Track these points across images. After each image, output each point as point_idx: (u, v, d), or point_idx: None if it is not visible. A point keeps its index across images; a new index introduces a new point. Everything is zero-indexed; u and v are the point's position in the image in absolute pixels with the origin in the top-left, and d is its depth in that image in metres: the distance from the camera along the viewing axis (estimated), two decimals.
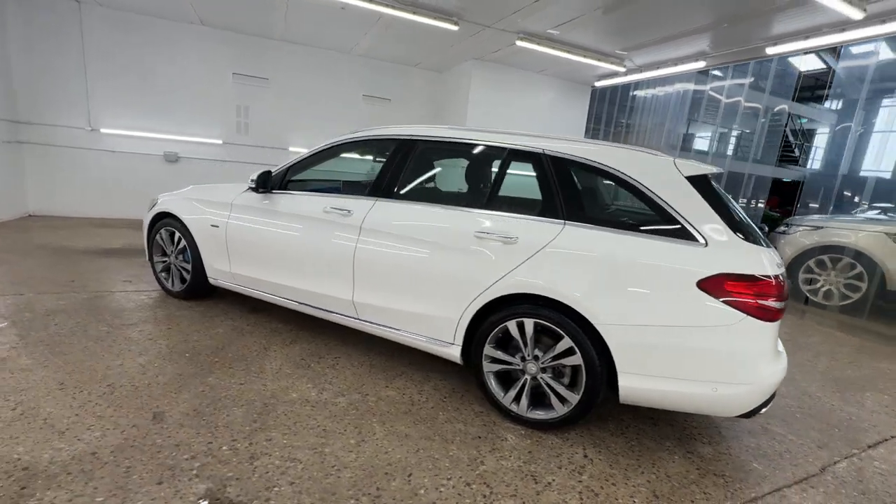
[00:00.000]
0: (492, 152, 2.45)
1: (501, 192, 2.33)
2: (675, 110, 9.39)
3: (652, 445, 2.13)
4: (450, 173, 3.17)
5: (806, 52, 5.13)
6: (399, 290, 2.42)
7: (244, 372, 2.45)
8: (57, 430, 1.82)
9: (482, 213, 2.25)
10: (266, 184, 2.85)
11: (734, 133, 16.11)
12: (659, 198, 1.97)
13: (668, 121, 9.61)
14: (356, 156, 3.25)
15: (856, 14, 3.79)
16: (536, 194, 2.24)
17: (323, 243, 2.63)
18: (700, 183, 1.99)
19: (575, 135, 8.45)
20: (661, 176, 2.01)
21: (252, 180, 2.82)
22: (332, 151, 2.88)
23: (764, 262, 1.82)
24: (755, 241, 1.89)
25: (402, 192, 2.52)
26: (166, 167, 6.79)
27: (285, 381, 2.40)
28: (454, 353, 2.33)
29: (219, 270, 3.15)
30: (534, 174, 2.27)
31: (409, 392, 2.41)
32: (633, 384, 1.92)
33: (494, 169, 2.46)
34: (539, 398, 2.16)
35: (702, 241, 1.87)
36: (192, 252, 3.24)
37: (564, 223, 2.07)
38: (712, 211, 1.91)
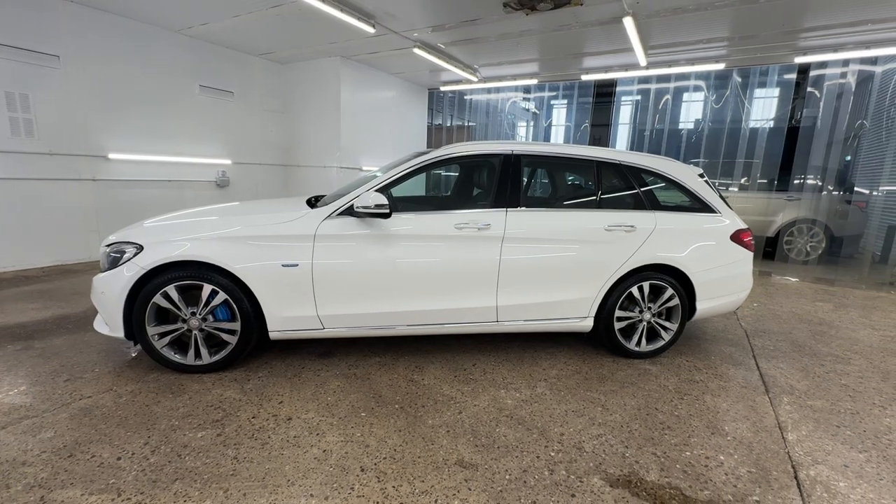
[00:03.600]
0: (584, 164, 3.09)
1: (603, 195, 3.02)
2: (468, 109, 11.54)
3: (695, 342, 3.38)
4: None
5: (607, 79, 7.52)
6: (544, 285, 2.82)
7: (439, 404, 2.37)
8: None
9: (601, 212, 2.92)
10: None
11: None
12: (695, 190, 3.13)
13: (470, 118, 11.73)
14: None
15: (643, 62, 6.10)
16: (622, 194, 3.05)
17: (464, 258, 2.69)
18: (702, 177, 3.26)
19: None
20: (689, 175, 3.18)
21: (378, 205, 2.47)
22: (424, 169, 2.82)
23: (742, 220, 3.25)
24: (730, 207, 3.31)
25: (526, 201, 2.87)
26: None
27: (481, 396, 2.47)
28: (588, 324, 2.95)
29: (293, 318, 2.60)
30: (617, 180, 3.07)
31: (563, 367, 2.89)
32: (705, 306, 3.07)
33: (590, 177, 3.10)
34: (648, 336, 3.07)
35: (718, 212, 3.15)
36: (242, 305, 2.52)
37: (654, 212, 3.00)
38: (715, 193, 3.22)
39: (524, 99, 12.39)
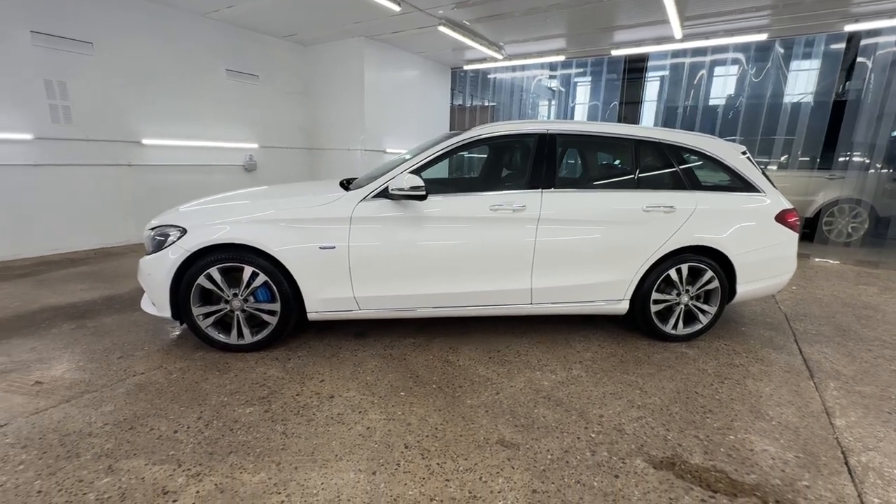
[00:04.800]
0: (622, 143, 2.99)
1: (641, 175, 2.93)
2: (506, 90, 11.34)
3: (732, 325, 3.30)
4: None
5: (639, 54, 7.22)
6: (580, 267, 2.78)
7: (476, 385, 2.39)
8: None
9: (639, 193, 2.84)
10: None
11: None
12: (738, 169, 3.00)
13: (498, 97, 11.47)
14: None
15: (678, 34, 5.81)
16: (661, 173, 2.95)
17: (499, 240, 2.67)
18: (745, 154, 3.12)
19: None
20: (731, 153, 3.05)
21: (414, 187, 2.47)
22: (458, 149, 2.78)
23: (787, 200, 3.11)
24: (776, 187, 3.17)
25: (562, 181, 2.81)
26: None
27: (517, 377, 2.49)
28: (624, 307, 2.91)
29: (330, 300, 2.64)
30: (656, 159, 2.97)
31: (597, 349, 2.87)
32: (746, 289, 2.98)
33: (628, 156, 3.00)
34: (685, 319, 3.00)
35: (762, 192, 3.02)
36: (281, 287, 2.57)
37: (694, 192, 2.90)
38: (760, 172, 3.08)
39: (550, 77, 12.03)
